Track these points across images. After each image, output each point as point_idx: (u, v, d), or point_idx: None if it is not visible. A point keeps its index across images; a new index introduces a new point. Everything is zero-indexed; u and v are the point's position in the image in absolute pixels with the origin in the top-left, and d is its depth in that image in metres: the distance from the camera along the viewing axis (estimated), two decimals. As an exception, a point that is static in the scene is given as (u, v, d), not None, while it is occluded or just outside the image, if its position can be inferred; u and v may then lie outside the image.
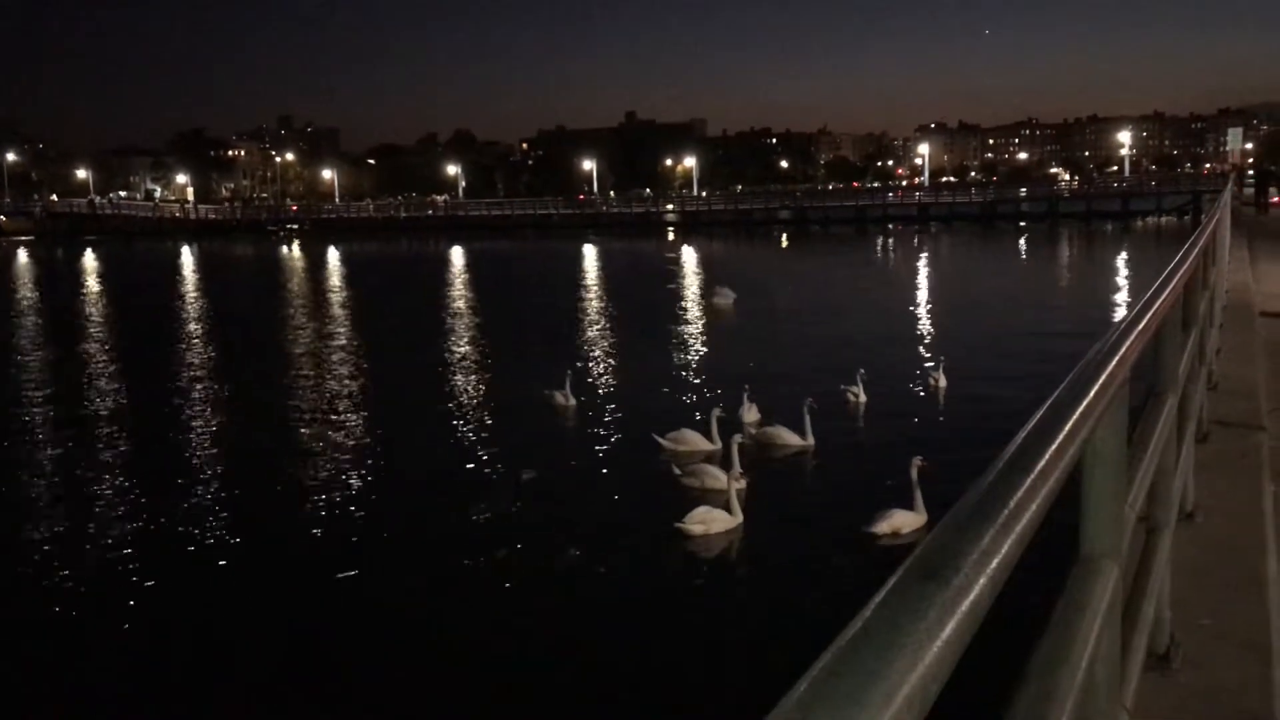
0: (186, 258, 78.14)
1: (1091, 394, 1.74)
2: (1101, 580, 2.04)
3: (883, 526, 11.49)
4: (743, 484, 12.66)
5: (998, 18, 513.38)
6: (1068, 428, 1.50)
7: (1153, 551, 3.54)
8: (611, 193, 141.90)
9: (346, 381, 22.80)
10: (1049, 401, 1.64)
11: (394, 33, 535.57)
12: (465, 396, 20.61)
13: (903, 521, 11.49)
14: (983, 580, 1.00)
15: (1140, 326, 2.54)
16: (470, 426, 17.72)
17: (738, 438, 13.82)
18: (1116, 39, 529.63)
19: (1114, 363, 2.01)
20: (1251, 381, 8.48)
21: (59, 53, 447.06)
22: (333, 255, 75.65)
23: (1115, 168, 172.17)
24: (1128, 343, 2.26)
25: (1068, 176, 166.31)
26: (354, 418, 18.83)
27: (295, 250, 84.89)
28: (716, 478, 12.77)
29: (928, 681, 0.82)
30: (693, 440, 14.88)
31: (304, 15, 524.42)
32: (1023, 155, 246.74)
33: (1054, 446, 1.40)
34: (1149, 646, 3.55)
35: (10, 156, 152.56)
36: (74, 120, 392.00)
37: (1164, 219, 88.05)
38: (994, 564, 1.04)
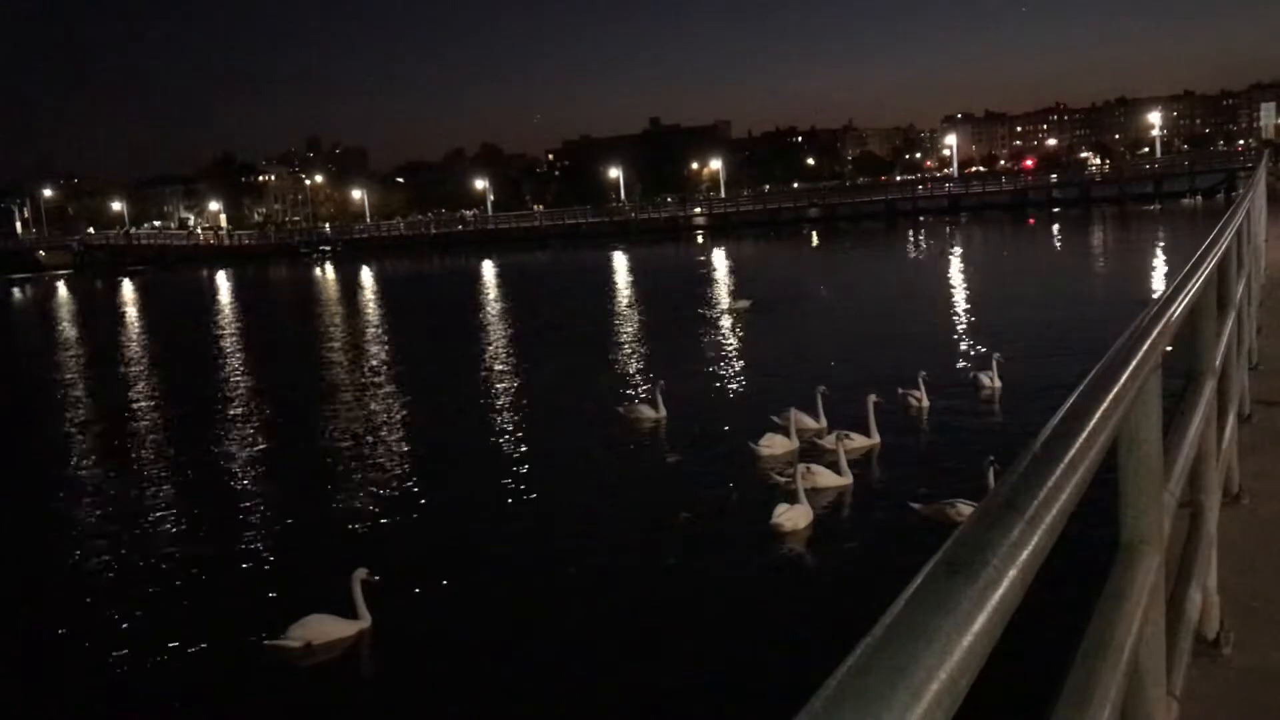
0: (223, 283, 78.97)
1: (1121, 381, 1.73)
2: (1142, 567, 2.03)
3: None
4: (847, 477, 13.44)
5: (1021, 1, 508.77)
6: (1097, 417, 1.49)
7: (1197, 536, 3.50)
8: (630, 201, 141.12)
9: (419, 405, 22.06)
10: (1078, 390, 1.62)
11: (417, 50, 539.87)
12: (547, 413, 20.14)
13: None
14: (1012, 573, 0.99)
15: (1171, 311, 2.52)
16: (563, 442, 17.56)
17: (826, 437, 15.16)
18: (1141, 18, 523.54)
19: (1144, 349, 1.99)
20: (1294, 359, 8.35)
21: (87, 87, 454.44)
22: (366, 275, 76.09)
23: (1146, 149, 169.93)
24: (1158, 328, 2.23)
25: (1098, 161, 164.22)
26: (435, 442, 18.43)
27: (329, 272, 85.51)
28: (810, 475, 13.25)
29: (956, 677, 0.81)
30: (781, 442, 15.51)
31: (327, 36, 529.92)
32: (1051, 141, 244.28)
33: (1083, 436, 1.39)
34: (1198, 632, 3.51)
35: (47, 192, 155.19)
36: (106, 153, 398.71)
37: (1199, 199, 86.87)
38: (1023, 556, 1.03)
